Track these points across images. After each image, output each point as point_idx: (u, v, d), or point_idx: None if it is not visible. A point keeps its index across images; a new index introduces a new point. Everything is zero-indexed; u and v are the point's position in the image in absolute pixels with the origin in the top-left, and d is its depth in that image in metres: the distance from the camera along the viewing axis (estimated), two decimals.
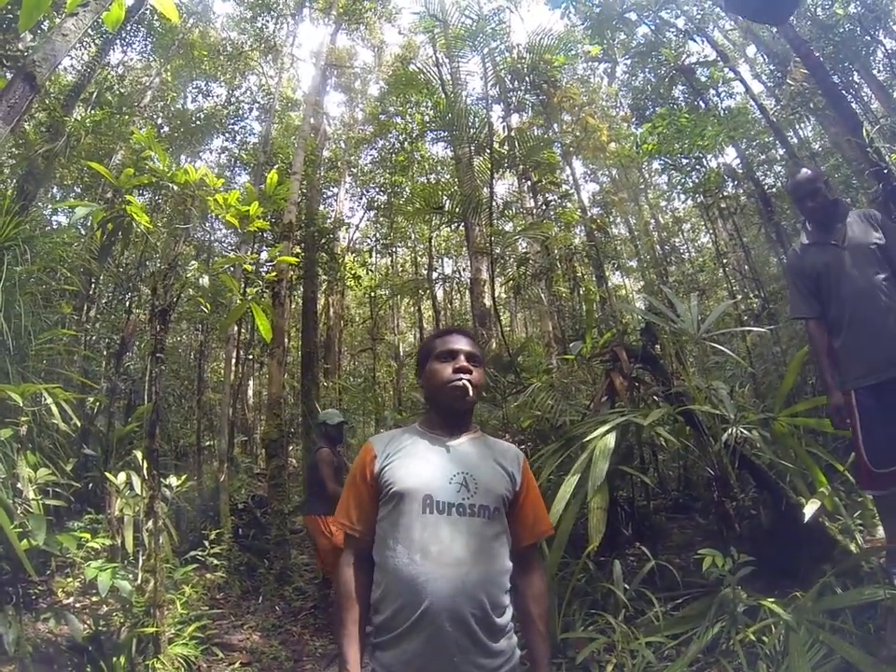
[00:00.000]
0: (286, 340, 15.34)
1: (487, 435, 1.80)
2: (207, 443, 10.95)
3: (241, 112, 13.78)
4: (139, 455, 4.11)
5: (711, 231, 12.06)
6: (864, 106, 12.77)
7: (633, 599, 3.39)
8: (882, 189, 4.76)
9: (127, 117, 9.98)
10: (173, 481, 5.17)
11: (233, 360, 11.18)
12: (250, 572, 6.55)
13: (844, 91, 10.95)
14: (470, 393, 1.64)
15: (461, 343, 1.71)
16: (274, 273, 6.13)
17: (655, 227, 10.01)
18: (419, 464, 1.59)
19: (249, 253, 11.87)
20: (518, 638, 1.64)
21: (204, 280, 4.35)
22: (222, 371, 12.82)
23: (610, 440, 3.27)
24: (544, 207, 7.58)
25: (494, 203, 6.25)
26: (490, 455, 1.67)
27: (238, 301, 4.37)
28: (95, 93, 9.69)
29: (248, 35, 14.06)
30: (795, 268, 3.12)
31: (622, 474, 4.07)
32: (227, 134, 13.54)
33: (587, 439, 3.20)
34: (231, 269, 6.35)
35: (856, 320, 2.82)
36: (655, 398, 3.91)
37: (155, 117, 12.32)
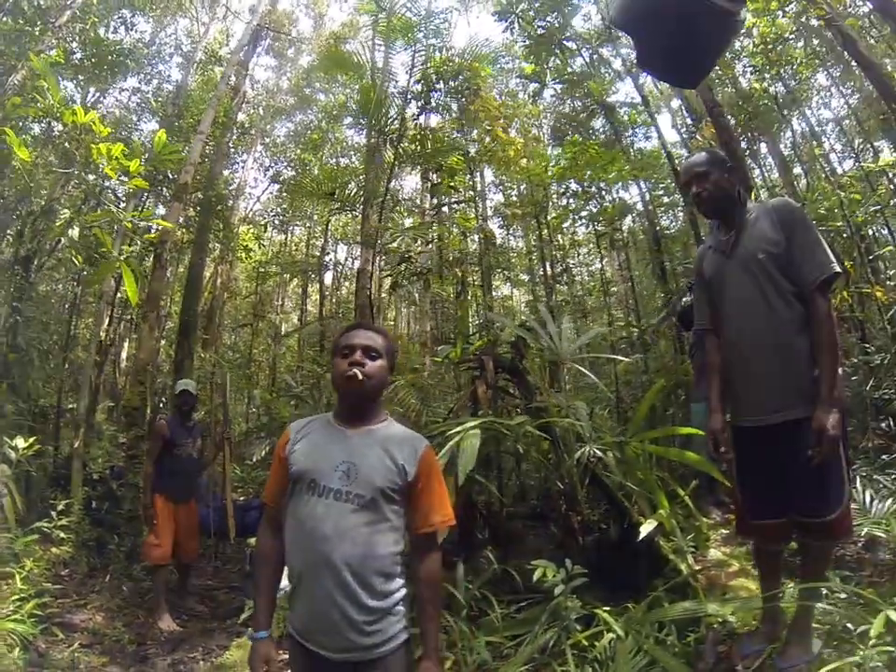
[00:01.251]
0: (167, 305, 14.44)
1: (396, 424, 1.89)
2: (70, 406, 10.00)
3: (162, 55, 12.77)
4: None
5: (605, 259, 12.87)
6: (765, 176, 14.28)
7: (480, 600, 3.51)
8: None
9: (38, 34, 8.91)
10: (20, 443, 4.78)
11: (106, 319, 10.29)
12: (100, 548, 6.07)
13: (746, 157, 12.19)
14: (362, 384, 1.75)
15: (359, 338, 1.82)
16: (155, 235, 5.71)
17: (546, 244, 10.41)
18: (315, 451, 1.76)
19: (142, 209, 11.06)
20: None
21: (74, 232, 3.97)
22: (102, 330, 11.79)
23: (475, 441, 3.25)
24: (435, 211, 7.69)
25: (389, 198, 6.28)
26: (381, 447, 1.76)
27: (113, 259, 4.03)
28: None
29: None
30: (696, 271, 2.71)
31: (480, 480, 4.19)
32: (143, 75, 12.49)
33: (448, 433, 3.22)
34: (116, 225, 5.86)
35: (738, 351, 2.42)
36: (518, 410, 4.02)
37: (70, 40, 11.08)
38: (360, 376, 1.74)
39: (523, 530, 5.85)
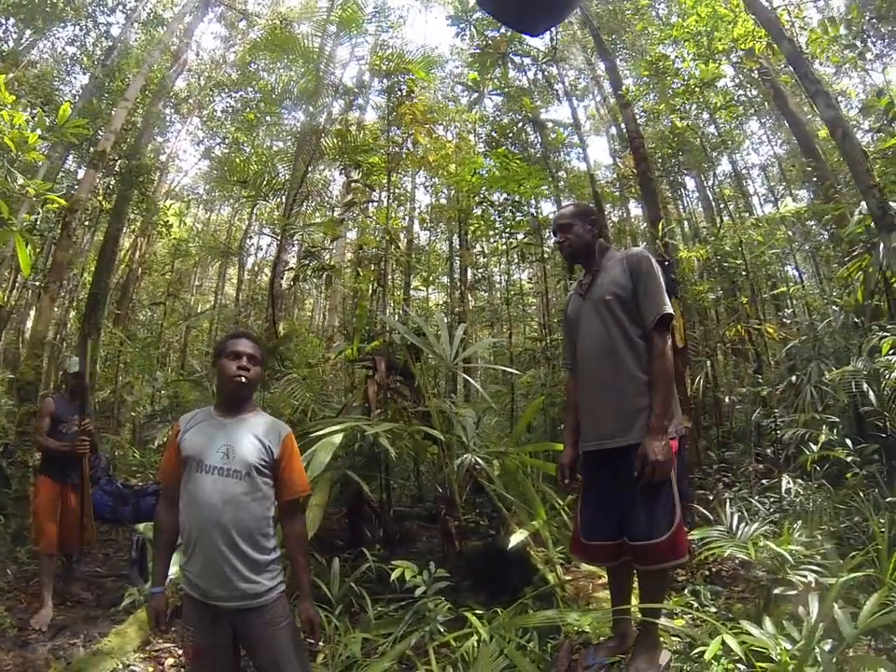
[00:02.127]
0: (81, 276, 13.65)
1: (263, 415, 2.34)
2: None
3: (103, 7, 11.96)
4: None
5: (524, 272, 13.22)
6: (690, 209, 15.08)
7: (360, 597, 3.57)
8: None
9: None
10: None
11: (7, 285, 9.63)
12: None
13: (670, 189, 12.86)
14: (247, 387, 2.23)
15: (245, 347, 2.24)
16: (58, 205, 5.41)
17: (464, 250, 10.56)
18: (200, 437, 2.16)
19: (60, 171, 10.41)
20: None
21: None
22: (0, 295, 11.01)
23: (336, 438, 3.35)
24: (346, 208, 7.69)
25: (303, 191, 6.24)
26: (251, 432, 2.19)
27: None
28: None
29: None
30: (563, 312, 2.97)
31: (369, 478, 4.25)
32: (81, 26, 11.69)
33: (318, 433, 3.29)
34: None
35: (583, 382, 2.66)
36: (409, 413, 4.10)
37: None
38: (245, 380, 2.20)
39: (418, 531, 5.96)
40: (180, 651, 3.61)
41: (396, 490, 5.71)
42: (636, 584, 2.70)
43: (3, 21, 10.55)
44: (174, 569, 2.47)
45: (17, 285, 11.76)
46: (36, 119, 3.83)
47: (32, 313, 13.92)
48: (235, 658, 2.17)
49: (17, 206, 6.71)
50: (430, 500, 6.66)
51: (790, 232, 8.20)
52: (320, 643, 3.02)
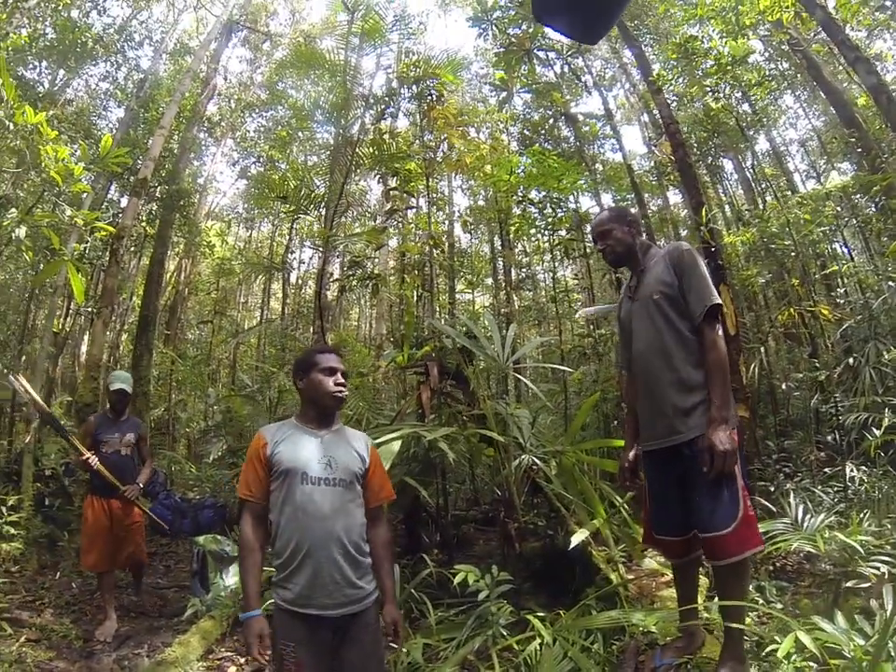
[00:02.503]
0: (129, 299, 14.15)
1: (345, 426, 2.43)
2: (25, 399, 9.73)
3: (132, 42, 12.48)
4: None
5: (568, 268, 13.04)
6: (730, 192, 14.67)
7: (420, 602, 3.56)
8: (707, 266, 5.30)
9: (5, 16, 8.66)
10: None
11: (60, 311, 10.06)
12: (51, 545, 6.00)
13: (708, 174, 12.53)
14: (343, 402, 2.36)
15: (338, 363, 2.32)
16: (106, 233, 5.60)
17: (507, 250, 10.49)
18: (298, 450, 2.18)
19: (105, 200, 10.83)
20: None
21: (20, 231, 3.91)
22: (56, 322, 11.51)
23: (395, 445, 3.37)
24: (388, 216, 7.71)
25: (344, 202, 6.29)
26: (347, 443, 2.28)
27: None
28: None
29: None
30: (616, 317, 2.98)
31: (426, 483, 4.25)
32: (112, 62, 12.21)
33: (375, 442, 3.30)
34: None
35: (640, 382, 2.66)
36: (463, 417, 4.08)
37: (41, 20, 10.79)
38: (343, 396, 2.30)
39: (475, 534, 5.94)
40: (242, 660, 3.69)
41: (452, 494, 5.69)
42: (702, 582, 2.64)
43: (37, 64, 11.05)
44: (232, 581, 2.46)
45: (70, 312, 12.25)
46: (79, 152, 3.96)
47: (85, 337, 14.54)
48: (332, 664, 2.18)
49: (65, 237, 7.01)
50: (487, 503, 6.66)
51: (837, 208, 7.83)
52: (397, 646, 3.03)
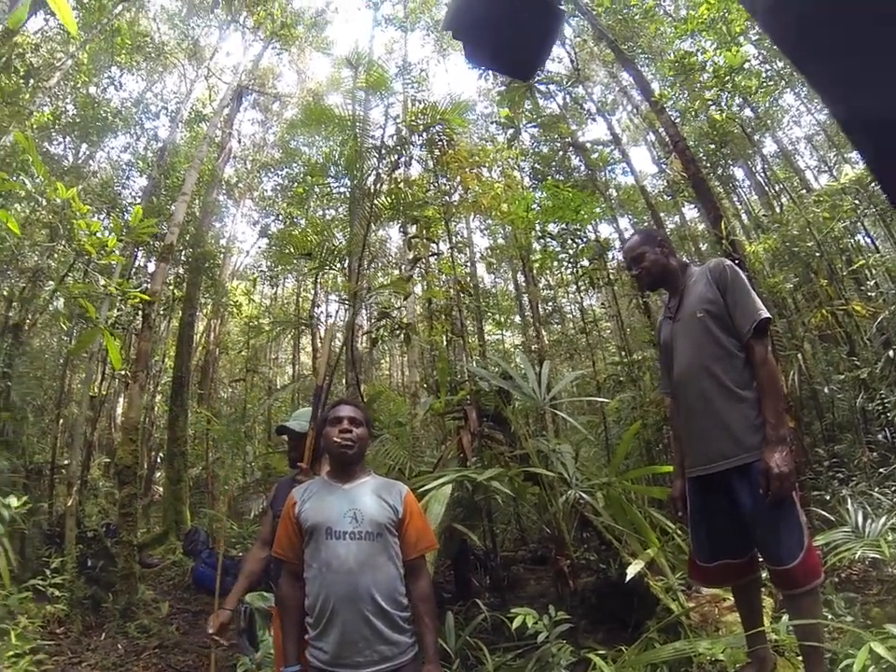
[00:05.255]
0: (161, 361, 14.48)
1: (377, 477, 2.35)
2: (65, 462, 9.97)
3: (149, 114, 13.17)
4: None
5: (593, 297, 13.01)
6: (744, 200, 14.60)
7: (474, 649, 3.48)
8: None
9: (29, 95, 9.21)
10: (13, 501, 4.75)
11: (97, 376, 10.34)
12: (95, 606, 6.05)
13: (721, 185, 12.51)
14: (351, 448, 2.22)
15: (345, 411, 2.28)
16: (137, 299, 5.80)
17: (531, 286, 10.51)
18: (322, 505, 2.15)
19: (133, 269, 11.21)
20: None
21: (59, 303, 4.08)
22: (91, 386, 11.81)
23: (447, 489, 3.33)
24: (412, 264, 7.80)
25: (367, 253, 6.40)
26: (375, 493, 2.20)
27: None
28: (5, 57, 8.87)
29: (177, 32, 13.47)
30: (657, 340, 2.88)
31: (472, 526, 4.20)
32: (132, 133, 12.88)
33: (425, 488, 3.26)
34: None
35: (683, 405, 2.55)
36: (505, 458, 4.03)
37: (62, 98, 11.45)
38: (350, 442, 2.20)
39: (524, 575, 5.81)
40: None
41: (498, 535, 5.60)
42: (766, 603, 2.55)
43: (61, 139, 11.66)
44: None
45: (105, 376, 12.56)
46: (109, 223, 4.14)
47: (120, 400, 14.87)
48: None
49: (98, 304, 7.27)
50: (534, 542, 6.54)
51: (855, 201, 7.70)
52: None
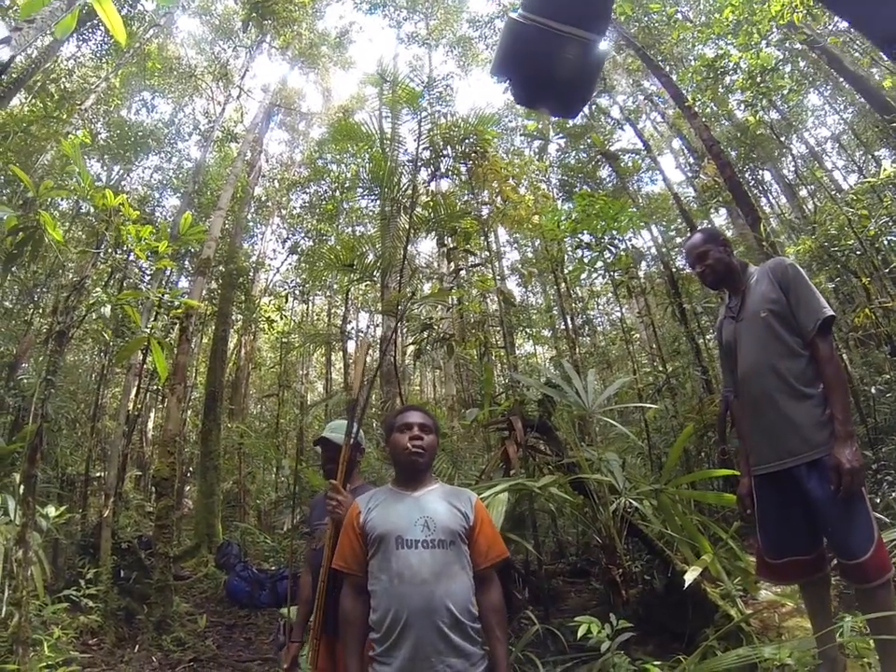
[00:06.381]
0: (192, 376, 14.67)
1: (444, 484, 2.29)
2: (98, 474, 10.12)
3: (181, 134, 13.55)
4: (17, 478, 3.80)
5: (625, 307, 12.85)
6: (773, 203, 14.39)
7: (522, 663, 3.40)
8: None
9: (65, 116, 9.54)
10: (50, 511, 4.81)
11: (133, 390, 10.50)
12: (128, 618, 6.01)
13: (751, 189, 12.33)
14: (422, 456, 2.16)
15: (415, 417, 2.22)
16: (181, 310, 5.88)
17: (565, 298, 10.45)
18: (391, 514, 2.07)
19: (165, 284, 11.42)
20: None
21: (106, 310, 4.14)
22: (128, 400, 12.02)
23: (504, 497, 3.25)
24: (454, 276, 7.80)
25: (406, 265, 6.42)
26: (446, 500, 2.12)
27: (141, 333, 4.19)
28: (40, 82, 9.22)
29: (205, 56, 13.89)
30: (718, 340, 2.87)
31: (514, 540, 4.12)
32: (164, 154, 13.23)
33: (481, 496, 3.20)
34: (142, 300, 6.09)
35: (749, 404, 2.55)
36: (550, 467, 3.96)
37: (95, 121, 11.86)
38: (421, 450, 2.14)
39: (564, 587, 5.69)
40: None
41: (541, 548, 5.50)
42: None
43: (95, 162, 12.03)
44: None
45: (140, 389, 12.79)
46: (160, 230, 4.21)
47: (151, 414, 15.11)
48: None
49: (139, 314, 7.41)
50: (573, 555, 6.41)
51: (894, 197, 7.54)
52: None
